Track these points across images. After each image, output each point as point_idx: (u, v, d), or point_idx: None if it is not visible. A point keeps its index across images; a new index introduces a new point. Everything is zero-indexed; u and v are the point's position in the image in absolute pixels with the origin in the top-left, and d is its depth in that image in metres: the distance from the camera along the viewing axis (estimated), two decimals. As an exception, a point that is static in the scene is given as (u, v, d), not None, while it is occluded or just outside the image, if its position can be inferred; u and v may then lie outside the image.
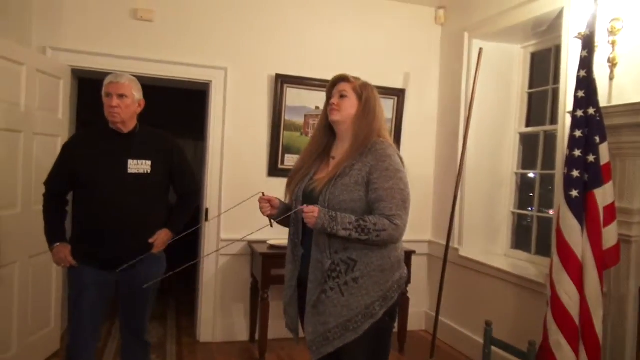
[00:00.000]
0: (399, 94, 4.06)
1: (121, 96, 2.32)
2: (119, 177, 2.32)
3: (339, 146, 2.04)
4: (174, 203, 2.62)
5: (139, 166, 2.35)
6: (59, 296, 3.34)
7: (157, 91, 5.02)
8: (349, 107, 1.98)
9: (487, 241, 3.85)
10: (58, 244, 2.37)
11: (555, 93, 3.35)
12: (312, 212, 1.82)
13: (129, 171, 2.34)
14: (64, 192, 2.46)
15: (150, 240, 2.39)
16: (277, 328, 3.56)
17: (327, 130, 2.08)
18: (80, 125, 3.80)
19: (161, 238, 2.43)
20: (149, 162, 2.37)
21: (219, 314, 3.82)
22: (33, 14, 3.30)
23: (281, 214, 2.02)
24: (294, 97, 3.85)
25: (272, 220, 2.03)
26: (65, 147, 2.47)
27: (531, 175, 3.79)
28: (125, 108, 2.33)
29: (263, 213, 2.02)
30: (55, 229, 2.41)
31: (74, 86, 3.58)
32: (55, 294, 3.31)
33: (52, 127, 3.19)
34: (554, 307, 2.42)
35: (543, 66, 3.67)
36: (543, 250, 3.46)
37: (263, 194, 2.02)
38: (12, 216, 2.81)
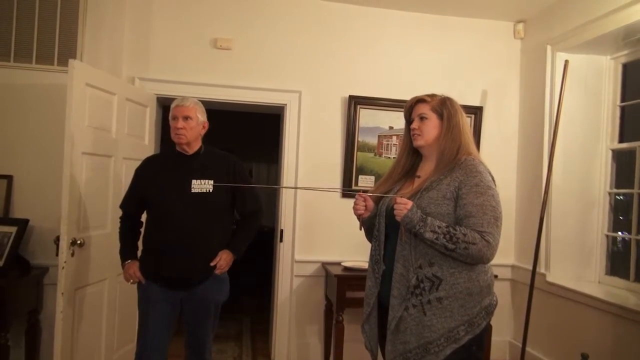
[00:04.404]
0: (476, 112, 3.92)
1: (186, 118, 2.43)
2: (182, 196, 2.40)
3: (425, 165, 1.98)
4: (237, 224, 2.63)
5: (201, 185, 2.41)
6: (142, 314, 3.47)
7: (231, 116, 5.23)
8: (431, 129, 1.92)
9: (578, 267, 3.55)
10: (129, 261, 2.50)
11: (653, 105, 3.09)
12: (404, 204, 1.77)
13: (192, 190, 2.40)
14: (137, 213, 2.60)
15: (212, 263, 2.42)
16: (352, 352, 3.48)
17: (412, 152, 2.02)
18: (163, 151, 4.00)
19: (223, 259, 2.45)
20: (211, 182, 2.42)
21: (294, 335, 3.80)
22: (124, 48, 3.55)
23: (372, 220, 1.98)
24: (367, 117, 3.83)
25: (361, 224, 2.00)
26: (136, 171, 2.60)
27: (618, 197, 3.48)
28: (190, 130, 2.44)
29: (355, 210, 1.97)
30: (127, 248, 2.55)
31: (158, 113, 3.79)
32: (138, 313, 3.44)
33: (139, 152, 3.37)
34: (663, 341, 2.17)
35: (637, 77, 3.40)
36: (644, 277, 3.15)
37: (362, 192, 1.99)
38: (102, 235, 2.98)
